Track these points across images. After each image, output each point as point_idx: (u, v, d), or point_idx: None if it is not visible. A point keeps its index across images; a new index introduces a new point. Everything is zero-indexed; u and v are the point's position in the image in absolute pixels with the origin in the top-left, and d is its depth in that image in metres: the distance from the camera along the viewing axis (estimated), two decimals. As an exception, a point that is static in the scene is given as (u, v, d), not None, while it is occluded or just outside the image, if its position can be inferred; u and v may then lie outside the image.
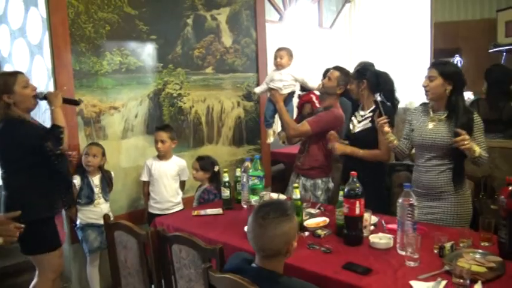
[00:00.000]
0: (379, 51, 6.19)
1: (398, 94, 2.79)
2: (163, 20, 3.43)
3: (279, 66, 3.08)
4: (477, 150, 2.18)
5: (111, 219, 2.33)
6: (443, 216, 2.34)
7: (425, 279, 1.63)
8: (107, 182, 2.98)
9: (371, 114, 2.74)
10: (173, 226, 2.35)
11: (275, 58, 3.10)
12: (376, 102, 2.68)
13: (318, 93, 3.43)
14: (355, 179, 2.02)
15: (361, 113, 2.82)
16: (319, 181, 2.99)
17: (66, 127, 2.44)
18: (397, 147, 2.52)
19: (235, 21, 3.98)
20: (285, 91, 3.07)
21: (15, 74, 2.36)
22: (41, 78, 2.96)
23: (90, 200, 2.87)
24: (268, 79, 3.13)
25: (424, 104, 2.51)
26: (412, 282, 1.62)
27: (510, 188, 1.81)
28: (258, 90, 3.29)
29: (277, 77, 3.06)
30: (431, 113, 2.40)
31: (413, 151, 2.55)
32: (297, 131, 2.98)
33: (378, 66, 2.98)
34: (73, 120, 2.94)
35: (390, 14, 6.16)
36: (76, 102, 2.70)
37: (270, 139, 3.22)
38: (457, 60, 5.33)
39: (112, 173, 3.07)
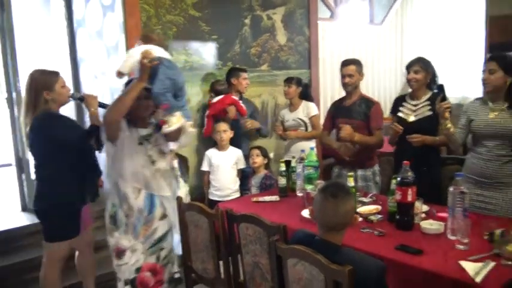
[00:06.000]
0: (432, 46, 6.17)
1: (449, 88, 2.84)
2: (223, 21, 3.69)
3: None
4: None
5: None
6: (497, 207, 2.39)
7: (474, 261, 1.75)
8: (185, 166, 3.31)
9: (428, 102, 2.82)
10: (236, 210, 2.57)
11: None
12: (439, 87, 2.64)
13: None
14: (407, 168, 2.15)
15: (413, 102, 2.89)
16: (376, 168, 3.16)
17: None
18: (453, 135, 2.53)
19: (289, 20, 4.18)
20: None
21: (56, 74, 2.53)
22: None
23: None
24: None
25: (478, 99, 2.56)
26: (462, 262, 1.74)
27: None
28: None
29: None
30: (490, 104, 2.43)
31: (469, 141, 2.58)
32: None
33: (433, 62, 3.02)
34: (144, 114, 3.25)
35: (444, 9, 6.12)
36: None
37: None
38: (516, 54, 5.23)
39: (188, 158, 3.37)
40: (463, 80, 5.13)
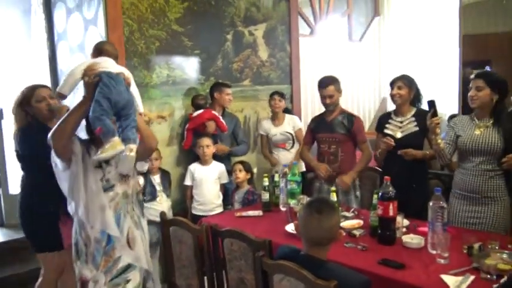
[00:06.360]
0: (408, 63, 6.34)
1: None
2: (206, 36, 3.72)
3: None
4: None
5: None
6: (486, 220, 2.43)
7: (455, 274, 1.79)
8: (167, 181, 3.31)
9: (413, 119, 2.88)
10: (220, 225, 2.57)
11: None
12: (431, 102, 2.54)
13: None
14: (388, 183, 2.20)
15: (399, 118, 2.94)
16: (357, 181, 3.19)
17: None
18: (442, 150, 2.55)
19: (271, 36, 4.25)
20: None
21: (34, 89, 2.51)
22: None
23: (153, 197, 3.21)
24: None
25: (455, 115, 2.63)
26: (443, 276, 1.78)
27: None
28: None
29: None
30: (476, 120, 2.49)
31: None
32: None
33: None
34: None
35: (420, 27, 6.32)
36: None
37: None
38: (488, 72, 5.42)
39: (170, 173, 3.38)
40: (439, 96, 5.27)
